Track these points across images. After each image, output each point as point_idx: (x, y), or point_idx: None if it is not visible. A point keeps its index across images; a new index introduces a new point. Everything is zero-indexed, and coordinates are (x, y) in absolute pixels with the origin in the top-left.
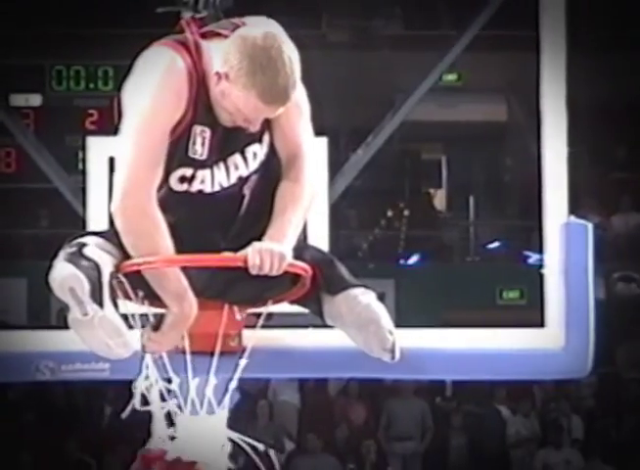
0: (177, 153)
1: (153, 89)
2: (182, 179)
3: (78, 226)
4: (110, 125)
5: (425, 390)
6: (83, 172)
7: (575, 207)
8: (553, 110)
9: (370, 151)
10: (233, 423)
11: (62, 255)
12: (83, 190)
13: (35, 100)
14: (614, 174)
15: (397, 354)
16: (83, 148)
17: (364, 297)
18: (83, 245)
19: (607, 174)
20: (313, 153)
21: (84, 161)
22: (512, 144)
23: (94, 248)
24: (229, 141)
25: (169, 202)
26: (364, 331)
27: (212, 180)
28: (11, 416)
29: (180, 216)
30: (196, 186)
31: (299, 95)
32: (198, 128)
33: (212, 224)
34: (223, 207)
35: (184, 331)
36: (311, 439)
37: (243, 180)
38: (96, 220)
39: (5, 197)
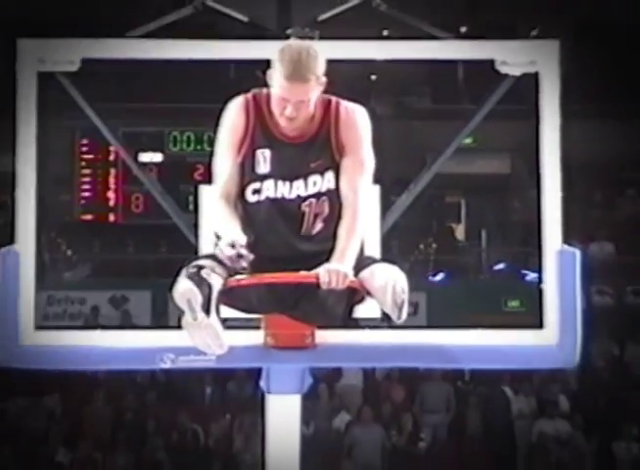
0: (247, 172)
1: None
2: (254, 192)
3: (191, 252)
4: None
5: (449, 376)
6: (195, 211)
7: (567, 238)
8: (550, 165)
9: (410, 197)
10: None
11: (184, 273)
12: (195, 225)
13: (157, 157)
14: (592, 212)
15: (405, 314)
16: (195, 193)
17: (387, 268)
18: (201, 267)
19: (588, 212)
20: (368, 198)
21: (195, 203)
22: (515, 191)
23: (208, 270)
24: (292, 162)
25: (248, 214)
26: (383, 292)
27: (276, 189)
28: (138, 394)
29: (258, 226)
30: (264, 194)
31: (367, 155)
32: (259, 151)
33: (283, 228)
34: (286, 214)
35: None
36: (365, 411)
37: (301, 199)
38: (206, 246)
39: (135, 231)
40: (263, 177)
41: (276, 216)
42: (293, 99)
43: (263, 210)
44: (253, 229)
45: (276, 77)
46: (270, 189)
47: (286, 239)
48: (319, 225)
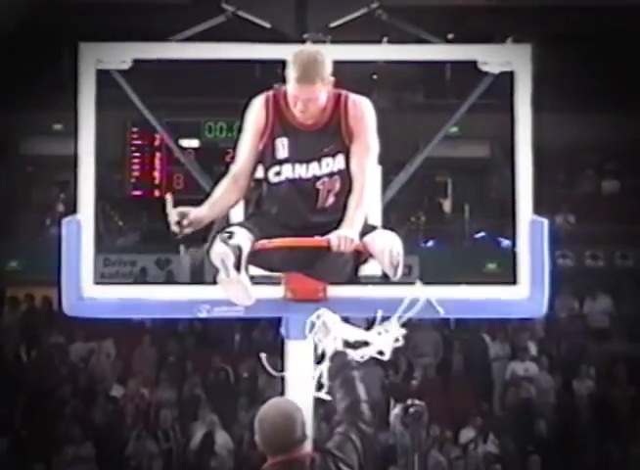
0: (268, 157)
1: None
2: (275, 174)
3: (222, 220)
4: None
5: (437, 325)
6: None
7: (536, 210)
8: (522, 150)
9: (405, 176)
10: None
11: (219, 238)
12: None
13: (194, 143)
14: (557, 190)
15: (400, 273)
16: (225, 173)
17: (386, 234)
18: (232, 233)
19: (554, 190)
20: (373, 177)
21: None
22: (493, 171)
23: (239, 236)
24: (307, 147)
25: (272, 193)
26: (382, 254)
27: (293, 170)
28: (179, 340)
29: (279, 203)
30: (284, 175)
31: (372, 140)
32: (278, 140)
33: (301, 203)
34: (303, 191)
35: None
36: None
37: (316, 178)
38: (235, 216)
39: (176, 204)
40: (283, 161)
41: (295, 193)
42: (302, 97)
43: (284, 188)
44: (276, 204)
45: (289, 77)
46: (289, 171)
47: (303, 212)
48: (331, 199)
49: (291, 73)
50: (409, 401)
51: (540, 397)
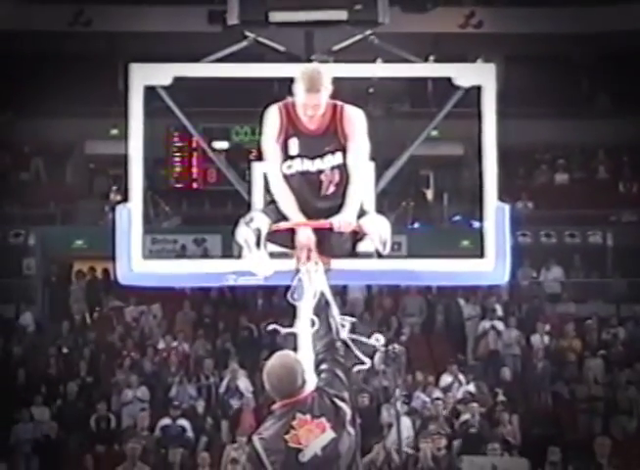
0: (283, 154)
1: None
2: (287, 167)
3: (246, 207)
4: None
5: (422, 291)
6: (249, 181)
7: (500, 198)
8: (489, 149)
9: (394, 170)
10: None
11: (242, 221)
12: (249, 190)
13: (225, 145)
14: (518, 181)
15: (388, 248)
16: (249, 169)
17: (377, 218)
18: (253, 218)
19: (515, 181)
20: (367, 171)
21: (250, 176)
22: (466, 167)
23: (258, 219)
24: (312, 146)
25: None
26: (374, 233)
27: (302, 164)
28: (213, 303)
29: (292, 190)
30: (295, 169)
31: (363, 141)
32: (290, 140)
33: (308, 192)
34: (310, 181)
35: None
36: (365, 315)
37: (320, 171)
38: (257, 203)
39: (210, 194)
40: (294, 157)
41: (304, 183)
42: (310, 103)
43: (295, 179)
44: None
45: (298, 89)
46: (299, 165)
47: (310, 198)
48: (332, 188)
49: (300, 86)
50: (390, 346)
51: (505, 349)
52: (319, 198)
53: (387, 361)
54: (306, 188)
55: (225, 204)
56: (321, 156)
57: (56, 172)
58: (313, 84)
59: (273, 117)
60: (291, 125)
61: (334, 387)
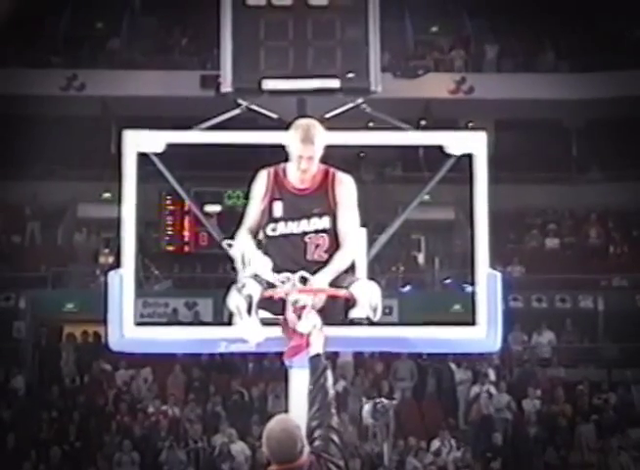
0: (267, 216)
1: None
2: (272, 229)
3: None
4: None
5: (413, 356)
6: None
7: (492, 263)
8: (480, 214)
9: (386, 235)
10: None
11: (233, 288)
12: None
13: (217, 208)
14: (509, 246)
15: (379, 314)
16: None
17: (367, 284)
18: (245, 284)
19: (506, 246)
20: (358, 236)
21: None
22: (457, 231)
23: (250, 286)
24: (299, 206)
25: (269, 244)
26: (363, 299)
27: (286, 226)
28: (203, 368)
29: (275, 253)
30: (279, 231)
31: (353, 206)
32: (275, 202)
33: (293, 255)
34: (294, 244)
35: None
36: (356, 379)
37: (304, 233)
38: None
39: (201, 257)
40: (278, 219)
41: (288, 246)
42: (305, 155)
43: (279, 241)
44: (272, 255)
45: (293, 142)
46: (282, 227)
47: (296, 262)
48: (319, 254)
49: (294, 138)
50: (377, 399)
51: (497, 413)
52: (306, 262)
53: (375, 415)
54: (290, 251)
55: (216, 267)
56: (307, 217)
57: (47, 235)
58: (308, 135)
59: (261, 180)
60: (277, 187)
61: (329, 452)
